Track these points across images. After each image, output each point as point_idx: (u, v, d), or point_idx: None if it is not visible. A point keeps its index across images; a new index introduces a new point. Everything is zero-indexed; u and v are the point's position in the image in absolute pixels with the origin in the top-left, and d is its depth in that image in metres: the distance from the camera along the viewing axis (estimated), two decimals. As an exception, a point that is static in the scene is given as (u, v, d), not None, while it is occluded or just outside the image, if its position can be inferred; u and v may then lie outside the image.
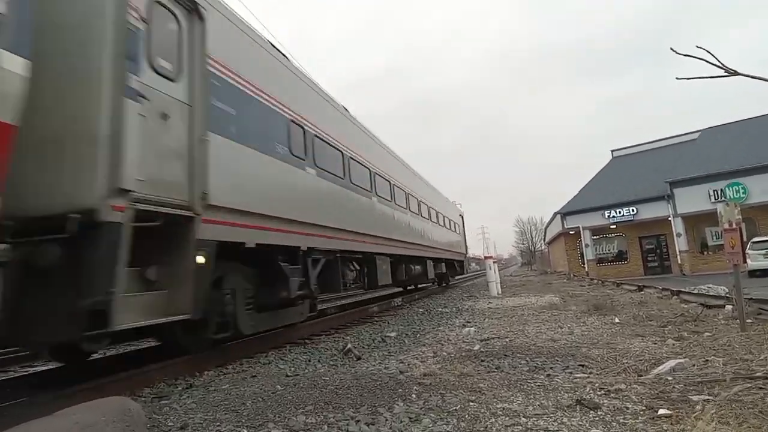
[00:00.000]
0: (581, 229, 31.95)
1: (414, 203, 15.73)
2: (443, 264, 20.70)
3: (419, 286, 20.88)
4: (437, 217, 19.29)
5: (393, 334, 7.91)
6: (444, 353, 5.90)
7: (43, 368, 6.91)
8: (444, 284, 23.76)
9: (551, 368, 4.67)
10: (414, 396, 3.93)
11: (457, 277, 29.27)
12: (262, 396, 4.27)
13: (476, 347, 6.12)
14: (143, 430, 3.29)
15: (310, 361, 6.12)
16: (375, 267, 11.45)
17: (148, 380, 5.29)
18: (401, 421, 3.32)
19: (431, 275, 17.96)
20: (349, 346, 6.47)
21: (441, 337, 7.32)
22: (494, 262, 17.05)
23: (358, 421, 3.39)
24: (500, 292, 16.21)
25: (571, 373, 4.46)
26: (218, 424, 3.58)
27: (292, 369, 5.63)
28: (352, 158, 10.23)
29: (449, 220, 22.44)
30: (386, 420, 3.38)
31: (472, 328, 7.85)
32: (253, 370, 5.79)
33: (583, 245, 32.22)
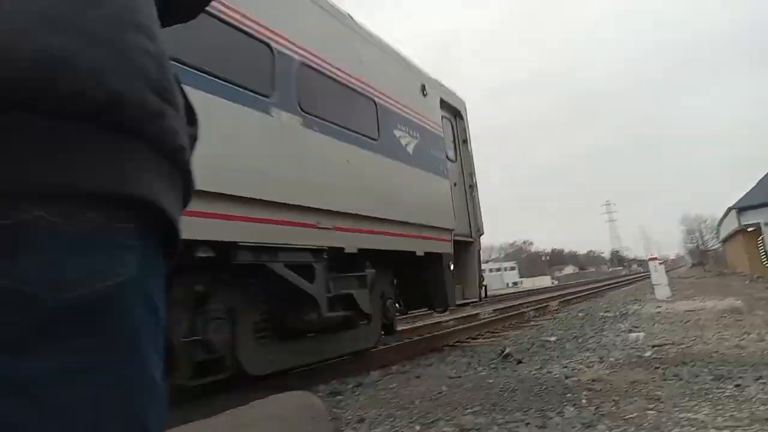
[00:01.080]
0: (762, 226, 27.83)
1: None
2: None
3: None
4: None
5: (553, 339, 7.68)
6: (611, 359, 5.61)
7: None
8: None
9: (740, 378, 4.21)
10: (584, 401, 3.82)
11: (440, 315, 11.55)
12: (429, 396, 4.44)
13: (647, 353, 5.72)
14: (326, 421, 3.64)
15: (470, 364, 6.19)
16: None
17: (322, 379, 5.77)
18: (573, 426, 3.26)
19: None
20: (508, 350, 6.42)
21: (605, 342, 6.95)
22: (660, 263, 15.65)
23: (528, 423, 3.40)
24: (669, 295, 14.83)
25: (765, 383, 3.99)
26: (392, 419, 3.81)
27: (454, 371, 5.75)
28: None
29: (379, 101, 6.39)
30: (557, 425, 3.34)
31: (641, 334, 7.31)
32: (415, 371, 6.01)
33: (766, 243, 28.11)
